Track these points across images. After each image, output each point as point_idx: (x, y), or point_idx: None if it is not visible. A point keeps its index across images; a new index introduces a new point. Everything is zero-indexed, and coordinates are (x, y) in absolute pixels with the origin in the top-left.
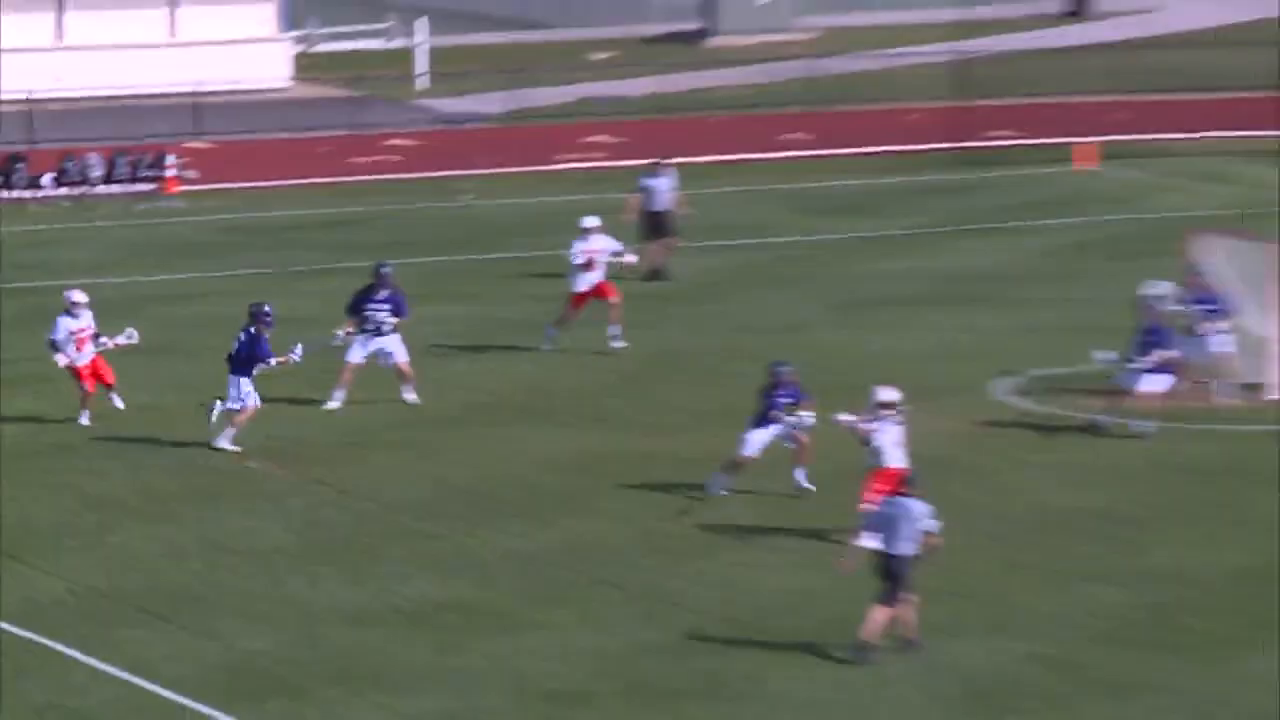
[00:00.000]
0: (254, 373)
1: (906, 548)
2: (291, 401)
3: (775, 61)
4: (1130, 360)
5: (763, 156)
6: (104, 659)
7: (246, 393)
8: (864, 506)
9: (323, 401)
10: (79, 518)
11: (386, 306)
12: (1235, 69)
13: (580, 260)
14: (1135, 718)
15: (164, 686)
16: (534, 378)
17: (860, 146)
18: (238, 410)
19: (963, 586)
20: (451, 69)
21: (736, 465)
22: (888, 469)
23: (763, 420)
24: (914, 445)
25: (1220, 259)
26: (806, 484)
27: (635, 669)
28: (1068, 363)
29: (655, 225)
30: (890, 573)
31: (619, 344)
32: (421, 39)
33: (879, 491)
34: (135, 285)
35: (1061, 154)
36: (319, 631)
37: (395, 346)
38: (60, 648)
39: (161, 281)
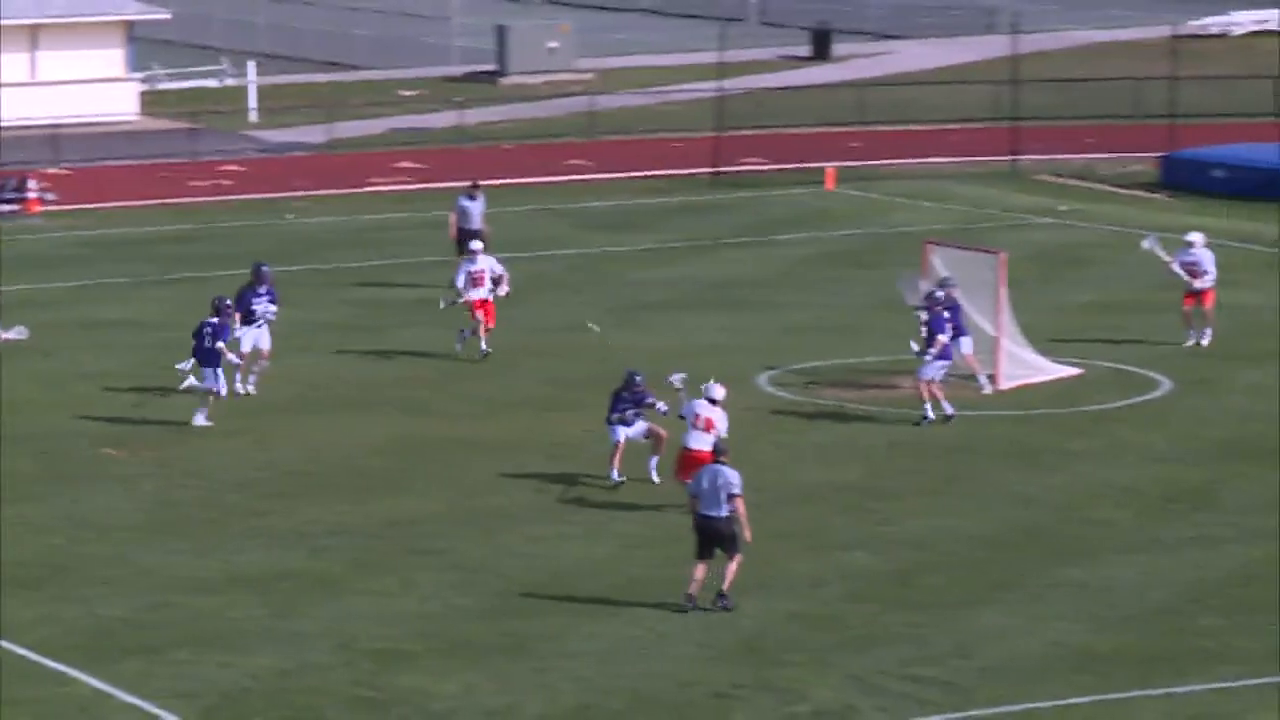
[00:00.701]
0: (219, 361)
1: (722, 510)
2: (140, 390)
3: (560, 98)
4: (925, 352)
5: (549, 180)
6: None
7: (220, 379)
8: (685, 480)
9: (165, 393)
10: None
11: (266, 298)
12: (955, 104)
13: (462, 281)
14: (885, 666)
15: (31, 649)
16: (354, 372)
17: (634, 171)
18: (215, 392)
19: None
20: (277, 104)
21: (616, 451)
22: (699, 450)
23: (615, 420)
24: None
25: (947, 265)
26: (656, 477)
27: (450, 630)
28: (821, 357)
29: (470, 242)
30: (708, 532)
31: (461, 347)
32: (251, 78)
33: (691, 466)
34: (2, 294)
35: (811, 177)
36: (168, 599)
37: (265, 336)
38: None
39: (24, 290)
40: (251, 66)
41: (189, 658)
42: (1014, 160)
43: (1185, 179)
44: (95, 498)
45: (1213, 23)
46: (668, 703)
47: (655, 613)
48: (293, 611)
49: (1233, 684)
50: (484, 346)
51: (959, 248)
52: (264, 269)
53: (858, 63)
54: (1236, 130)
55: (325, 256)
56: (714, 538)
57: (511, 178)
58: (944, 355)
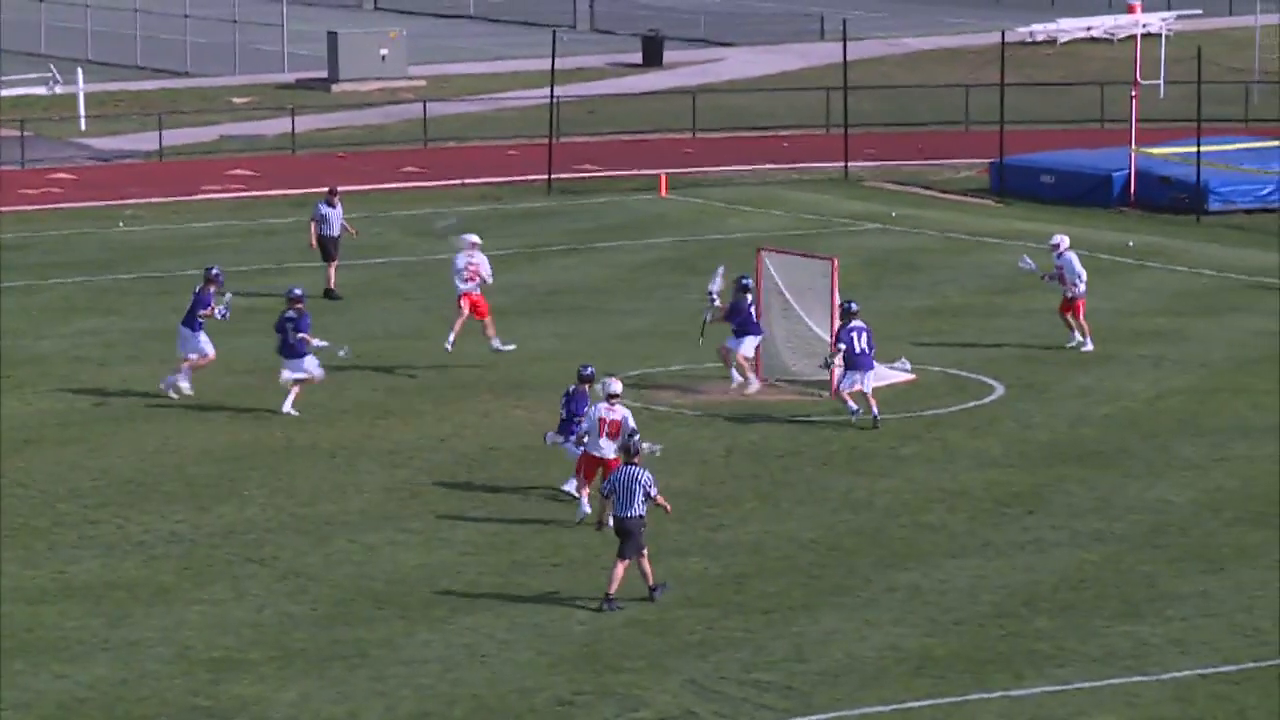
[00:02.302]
0: (306, 351)
1: (637, 509)
2: None
3: (392, 105)
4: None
5: (383, 186)
6: None
7: (314, 365)
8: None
9: None
10: None
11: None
12: (786, 110)
13: (461, 267)
14: (724, 671)
15: None
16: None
17: (468, 178)
18: (304, 378)
19: (566, 559)
20: (108, 111)
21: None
22: (608, 459)
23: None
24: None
25: (780, 271)
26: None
27: (286, 638)
28: (657, 363)
29: (329, 248)
30: (625, 532)
31: (507, 346)
32: (80, 85)
33: (592, 471)
34: None
35: (645, 183)
36: (0, 610)
37: (205, 344)
38: None
39: None
40: (80, 73)
41: (23, 668)
42: (846, 166)
43: (1014, 185)
44: None
45: (1040, 30)
46: (509, 710)
47: (495, 619)
48: (128, 621)
49: (1067, 686)
50: (450, 344)
51: (792, 254)
52: (216, 272)
53: (689, 69)
54: (1064, 136)
55: (157, 265)
56: (624, 536)
57: (344, 185)
58: (861, 365)
